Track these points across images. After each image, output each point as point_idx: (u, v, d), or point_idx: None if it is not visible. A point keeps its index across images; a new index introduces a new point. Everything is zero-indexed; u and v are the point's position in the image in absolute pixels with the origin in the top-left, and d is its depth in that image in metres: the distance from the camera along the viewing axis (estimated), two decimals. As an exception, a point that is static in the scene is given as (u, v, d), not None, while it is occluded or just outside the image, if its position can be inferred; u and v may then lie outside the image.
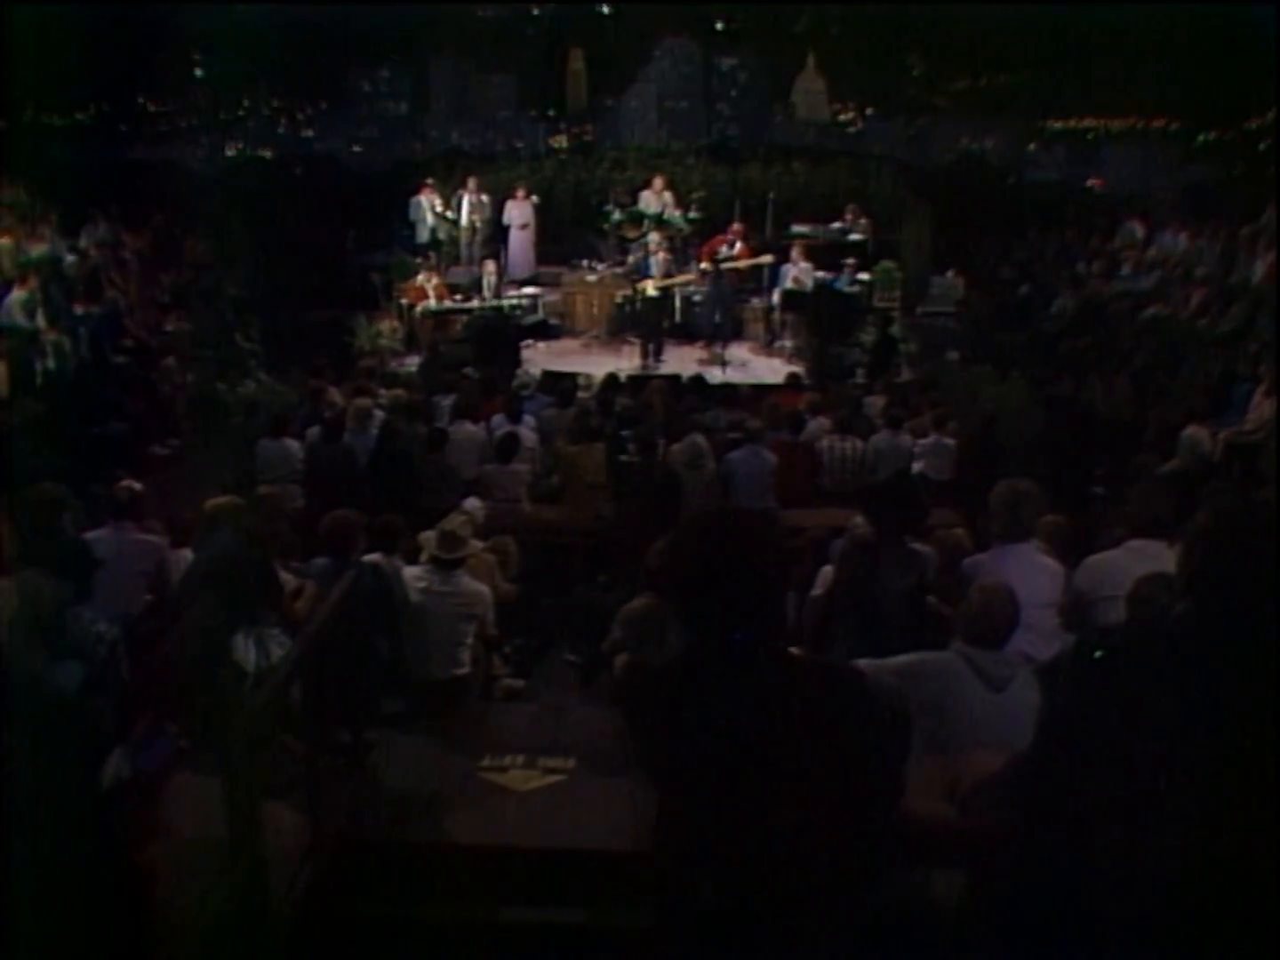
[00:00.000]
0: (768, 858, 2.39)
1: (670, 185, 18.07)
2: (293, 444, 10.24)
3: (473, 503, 8.53)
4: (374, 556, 6.30)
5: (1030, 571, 5.01)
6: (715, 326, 16.54)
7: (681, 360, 15.93)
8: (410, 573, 6.34)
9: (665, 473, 9.15)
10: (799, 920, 2.47)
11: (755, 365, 16.10)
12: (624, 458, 9.64)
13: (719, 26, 24.55)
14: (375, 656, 5.76)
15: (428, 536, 6.57)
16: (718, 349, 16.08)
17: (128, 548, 6.01)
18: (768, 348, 16.97)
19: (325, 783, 4.73)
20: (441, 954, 4.78)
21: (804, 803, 2.35)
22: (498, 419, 11.06)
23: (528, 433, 10.58)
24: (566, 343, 17.21)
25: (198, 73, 25.94)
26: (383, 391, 12.64)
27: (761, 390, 13.14)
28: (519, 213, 18.53)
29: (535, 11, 25.14)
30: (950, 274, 18.39)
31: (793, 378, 13.52)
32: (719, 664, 2.41)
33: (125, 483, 6.54)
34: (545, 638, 7.59)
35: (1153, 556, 4.97)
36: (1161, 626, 2.51)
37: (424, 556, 6.61)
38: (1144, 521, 5.25)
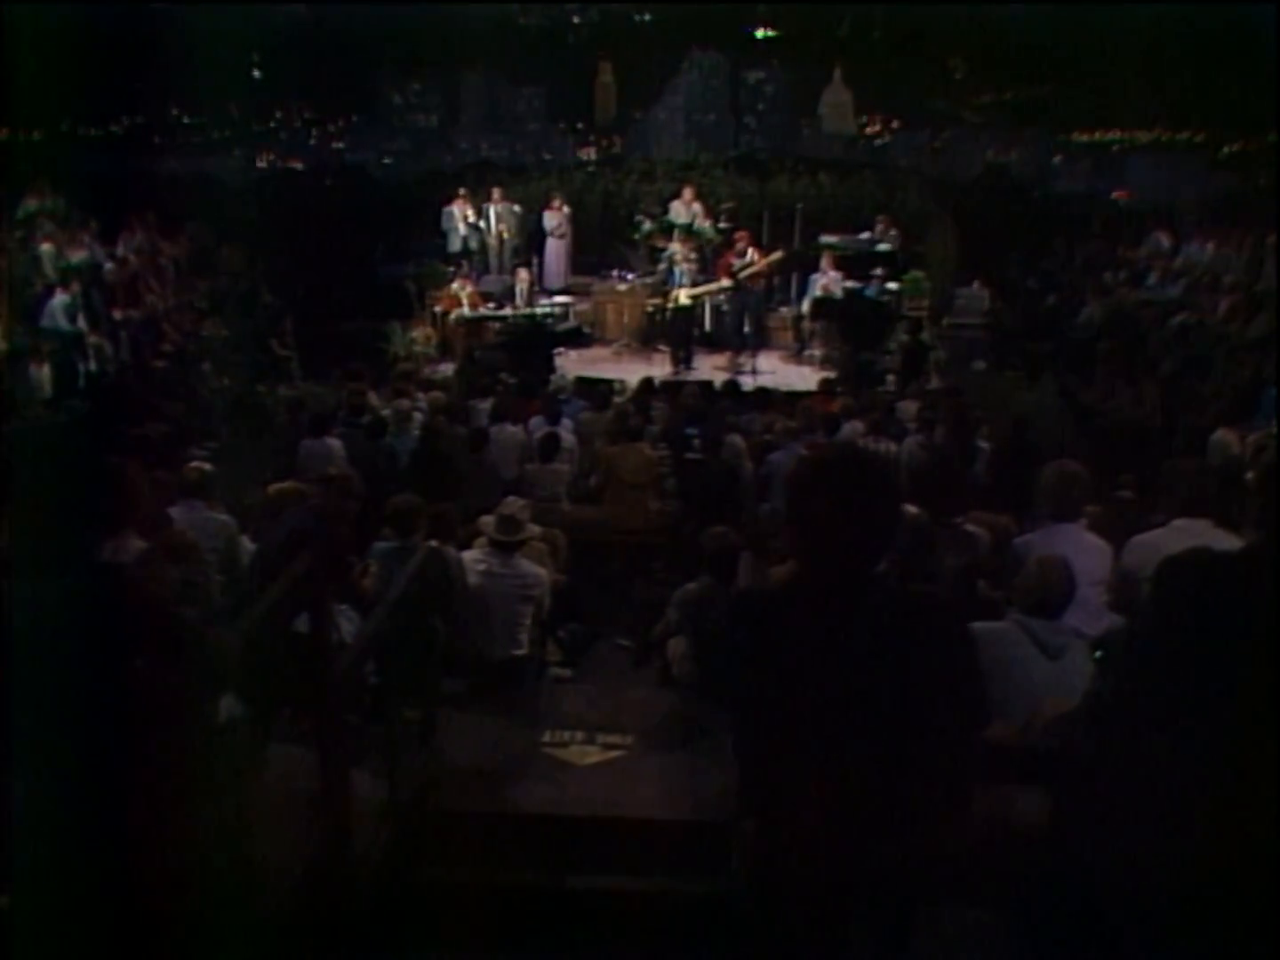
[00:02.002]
0: (872, 781, 2.55)
1: (700, 196, 18.24)
2: (335, 443, 10.39)
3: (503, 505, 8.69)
4: (430, 543, 6.47)
5: (1080, 549, 5.13)
6: (744, 335, 16.74)
7: (711, 368, 16.09)
8: (470, 556, 6.52)
9: (728, 469, 9.34)
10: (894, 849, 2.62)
11: (784, 373, 16.24)
12: (690, 455, 9.84)
13: (759, 34, 24.65)
14: (437, 637, 5.92)
15: (487, 521, 6.75)
16: (746, 357, 16.26)
17: (199, 526, 6.15)
18: (796, 356, 17.14)
19: (397, 755, 4.89)
20: (506, 918, 4.93)
21: (907, 724, 2.51)
22: (536, 421, 11.24)
23: (566, 434, 10.76)
24: (597, 350, 17.41)
25: (230, 85, 26.19)
26: (420, 395, 12.82)
27: (794, 396, 13.27)
28: (555, 223, 18.77)
29: (576, 19, 25.31)
30: (976, 285, 18.50)
31: (825, 383, 13.67)
32: (829, 589, 2.58)
33: (195, 464, 6.70)
34: (593, 628, 7.75)
35: (1198, 535, 5.10)
36: (1235, 556, 2.65)
37: (480, 541, 6.79)
38: (1189, 501, 5.38)
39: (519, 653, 6.43)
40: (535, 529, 6.97)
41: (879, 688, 2.51)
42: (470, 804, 5.27)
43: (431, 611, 5.68)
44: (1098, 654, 4.47)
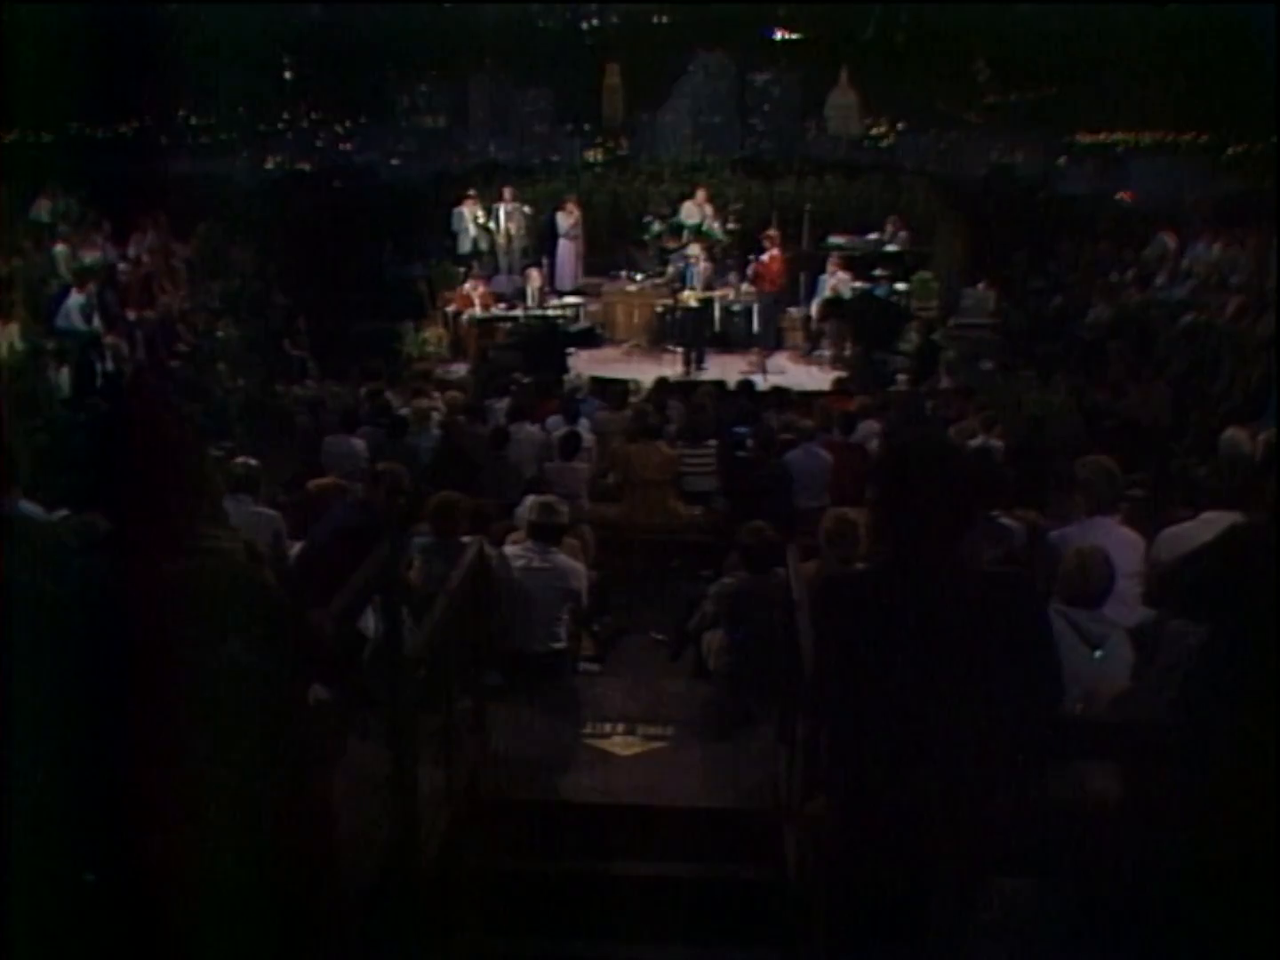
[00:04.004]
0: (958, 755, 2.66)
1: (711, 197, 18.34)
2: (358, 442, 10.51)
3: (532, 500, 8.77)
4: (472, 539, 6.57)
5: (1115, 542, 5.23)
6: (755, 336, 16.92)
7: (722, 368, 16.18)
8: (510, 550, 6.62)
9: (780, 467, 9.41)
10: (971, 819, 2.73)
11: (794, 373, 16.35)
12: (740, 453, 9.94)
13: (778, 37, 24.77)
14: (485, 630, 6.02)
15: (523, 516, 6.86)
16: (757, 357, 16.38)
17: (246, 520, 6.23)
18: (806, 356, 17.26)
19: (453, 744, 5.00)
20: (554, 904, 5.03)
21: (994, 699, 2.63)
22: (553, 420, 11.34)
23: (585, 433, 10.86)
24: (608, 350, 17.52)
25: (238, 87, 26.25)
26: (436, 394, 12.93)
27: (808, 395, 13.38)
28: (568, 224, 18.87)
29: (595, 21, 25.42)
30: (981, 285, 18.57)
31: (839, 383, 13.79)
32: (918, 571, 2.70)
33: (241, 458, 6.79)
34: (623, 621, 7.86)
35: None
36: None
37: (515, 536, 6.91)
38: (1219, 493, 5.49)
39: (558, 646, 6.54)
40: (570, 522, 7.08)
41: (967, 664, 2.63)
42: (518, 793, 5.39)
43: (479, 605, 5.78)
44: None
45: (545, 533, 6.57)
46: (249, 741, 2.97)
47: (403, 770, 4.03)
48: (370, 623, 5.35)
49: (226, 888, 3.01)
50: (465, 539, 6.49)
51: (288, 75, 27.22)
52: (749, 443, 10.07)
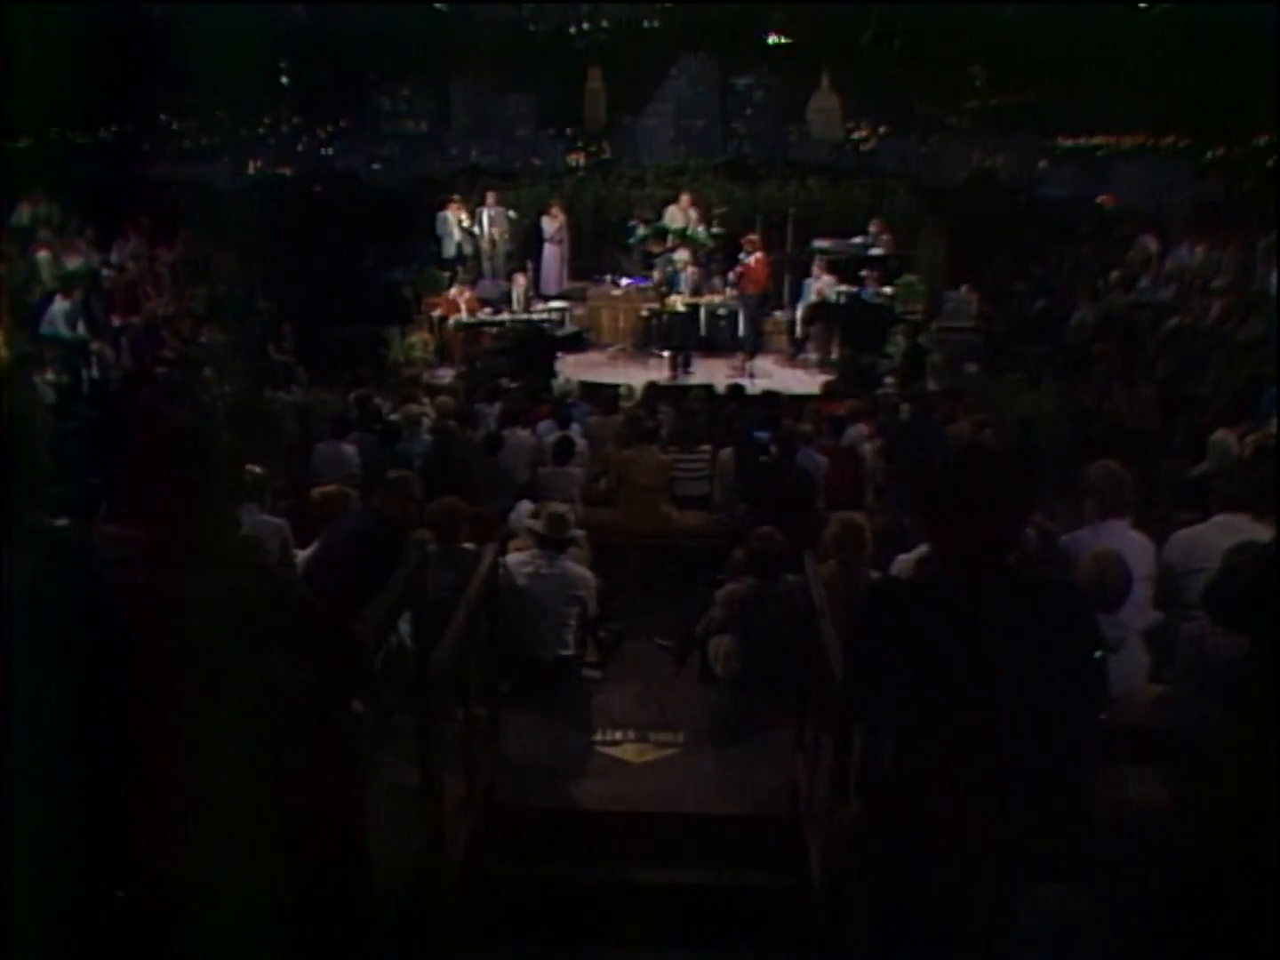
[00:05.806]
0: (1003, 761, 2.67)
1: (695, 202, 18.34)
2: (349, 448, 10.47)
3: (526, 505, 8.78)
4: (474, 546, 6.55)
5: (1127, 546, 5.24)
6: (739, 339, 16.95)
7: (708, 372, 16.20)
8: (517, 558, 6.62)
9: (803, 472, 9.40)
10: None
11: (780, 376, 16.37)
12: (763, 458, 9.92)
13: (771, 41, 24.76)
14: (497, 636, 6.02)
15: (530, 522, 6.84)
16: (742, 361, 16.42)
17: (253, 528, 6.19)
18: (791, 360, 17.30)
19: (472, 752, 5.00)
20: (571, 911, 5.03)
21: (1044, 705, 2.64)
22: (545, 425, 11.33)
23: (577, 438, 10.85)
24: (593, 355, 17.54)
25: (218, 91, 26.07)
26: (426, 399, 12.90)
27: (798, 399, 13.40)
28: (553, 229, 18.86)
29: (585, 25, 25.40)
30: (965, 289, 18.61)
31: (828, 386, 13.83)
32: (971, 578, 2.71)
33: (246, 466, 6.73)
34: (624, 627, 7.85)
35: (1239, 530, 5.22)
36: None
37: (518, 542, 6.90)
38: (1231, 496, 5.51)
39: (565, 653, 6.53)
40: (578, 532, 7.07)
41: (1019, 671, 2.64)
42: (533, 800, 5.38)
43: (490, 612, 5.78)
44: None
45: (554, 541, 6.57)
46: (292, 753, 2.96)
47: (429, 779, 4.02)
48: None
49: (262, 896, 3.01)
50: (467, 545, 6.50)
51: (270, 79, 27.07)
52: (772, 448, 10.02)
